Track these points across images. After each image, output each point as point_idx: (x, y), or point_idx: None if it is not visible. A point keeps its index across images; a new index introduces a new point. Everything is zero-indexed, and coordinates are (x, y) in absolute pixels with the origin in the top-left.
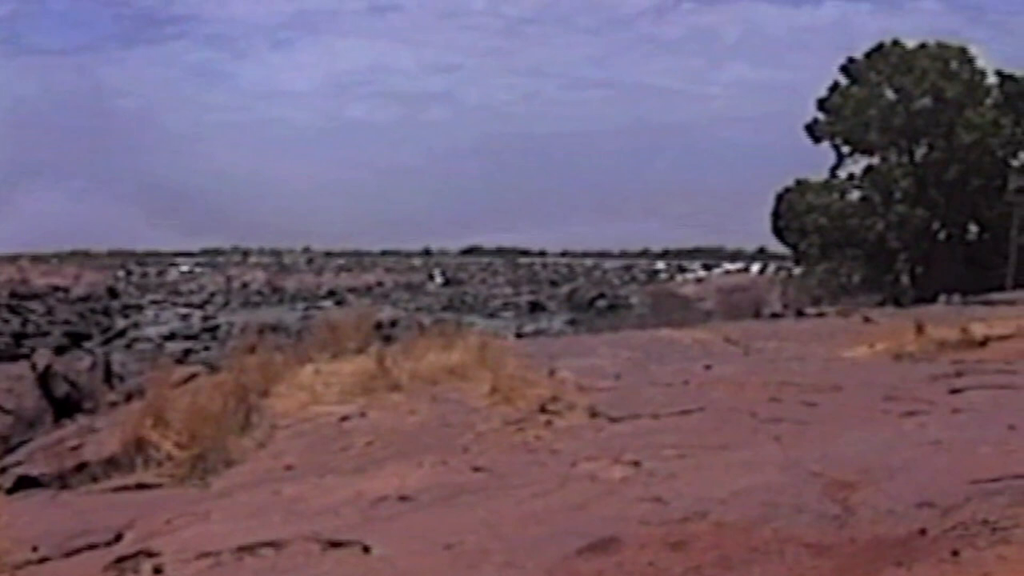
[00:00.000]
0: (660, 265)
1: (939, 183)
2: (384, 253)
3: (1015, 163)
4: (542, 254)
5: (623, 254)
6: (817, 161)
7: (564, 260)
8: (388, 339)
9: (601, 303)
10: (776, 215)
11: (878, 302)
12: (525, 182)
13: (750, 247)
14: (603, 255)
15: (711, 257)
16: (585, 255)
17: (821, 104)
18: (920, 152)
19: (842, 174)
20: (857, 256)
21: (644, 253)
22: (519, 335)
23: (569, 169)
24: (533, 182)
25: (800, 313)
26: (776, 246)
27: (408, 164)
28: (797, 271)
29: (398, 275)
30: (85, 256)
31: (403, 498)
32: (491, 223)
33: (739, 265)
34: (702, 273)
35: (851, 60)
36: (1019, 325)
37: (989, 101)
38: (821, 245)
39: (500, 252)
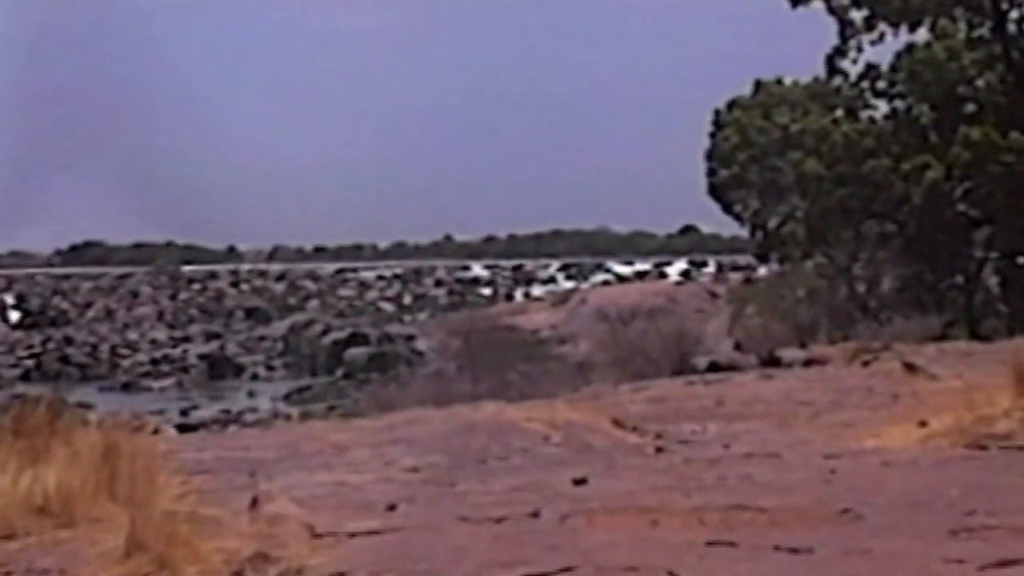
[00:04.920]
0: (479, 270)
1: None
2: None
3: None
4: (232, 255)
5: (401, 249)
6: (797, 47)
7: (277, 266)
8: None
9: (357, 353)
10: (713, 158)
11: (937, 332)
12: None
13: (664, 227)
14: (357, 251)
15: (582, 249)
16: (320, 252)
17: None
18: (1016, 16)
19: (850, 68)
20: (890, 237)
21: (446, 244)
22: (185, 426)
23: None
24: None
25: (771, 361)
26: (715, 222)
27: None
28: (763, 272)
29: None
30: None
31: None
32: (116, 202)
33: (641, 266)
34: (566, 284)
35: None
36: None
37: None
38: (812, 216)
39: (141, 253)
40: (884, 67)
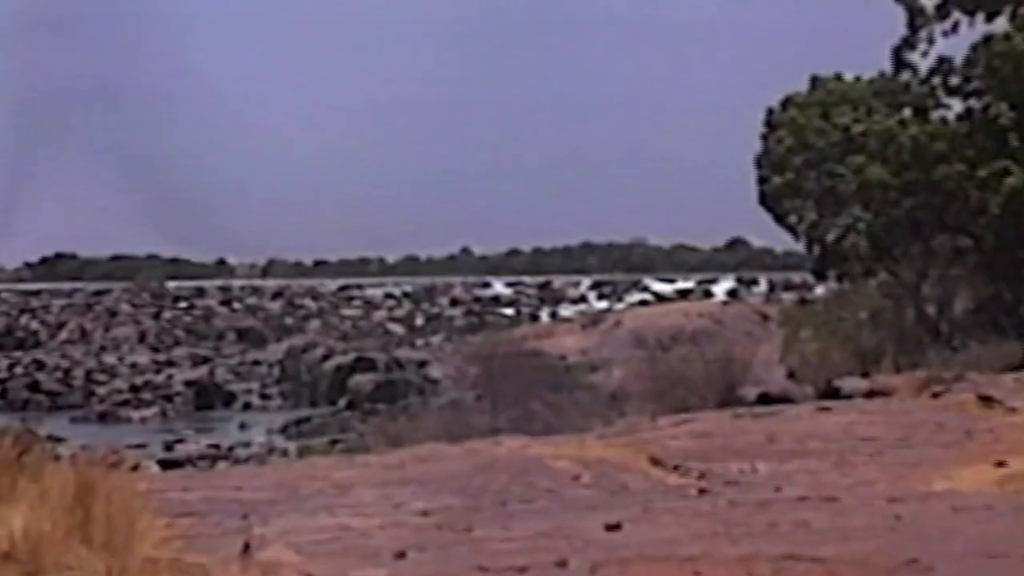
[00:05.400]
0: (500, 288)
1: None
2: None
3: None
4: (223, 269)
5: (412, 263)
6: (859, 38)
7: (272, 282)
8: None
9: (362, 380)
10: (764, 163)
11: (1017, 360)
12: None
13: (708, 240)
14: (363, 265)
15: (616, 265)
16: (320, 267)
17: None
18: None
19: (919, 62)
20: (964, 252)
21: (463, 258)
22: (169, 463)
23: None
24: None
25: (829, 392)
26: (767, 234)
27: None
28: (821, 291)
29: None
30: None
31: None
32: (92, 209)
33: (683, 284)
34: (598, 304)
35: None
36: None
37: None
38: (877, 228)
39: (120, 267)
40: (958, 61)
